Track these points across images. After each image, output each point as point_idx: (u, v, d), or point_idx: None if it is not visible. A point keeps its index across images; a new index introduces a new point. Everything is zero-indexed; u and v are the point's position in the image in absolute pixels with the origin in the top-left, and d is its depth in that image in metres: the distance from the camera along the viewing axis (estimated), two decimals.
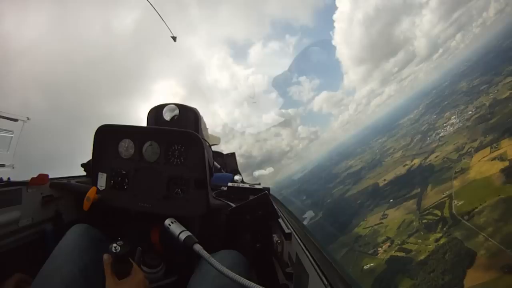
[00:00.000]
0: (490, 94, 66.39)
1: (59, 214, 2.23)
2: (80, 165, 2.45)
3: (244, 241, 2.01)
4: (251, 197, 1.89)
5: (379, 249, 44.19)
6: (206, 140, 2.17)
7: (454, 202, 42.56)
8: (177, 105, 2.20)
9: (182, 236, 1.43)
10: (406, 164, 69.55)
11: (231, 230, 2.06)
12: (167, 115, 2.17)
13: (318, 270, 1.21)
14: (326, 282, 1.11)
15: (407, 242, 41.85)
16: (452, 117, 75.04)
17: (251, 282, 1.08)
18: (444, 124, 75.71)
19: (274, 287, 1.91)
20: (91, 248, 1.46)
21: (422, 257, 37.10)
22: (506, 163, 40.39)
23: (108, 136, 1.83)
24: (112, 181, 1.82)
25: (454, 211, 40.94)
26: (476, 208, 37.99)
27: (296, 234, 1.69)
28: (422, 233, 41.91)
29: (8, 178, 2.04)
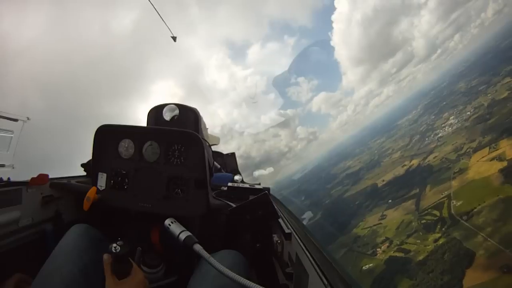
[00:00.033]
0: (489, 95, 66.66)
1: (59, 214, 2.22)
2: (80, 165, 2.45)
3: (244, 241, 2.01)
4: (251, 197, 1.88)
5: (378, 249, 44.25)
6: (206, 140, 2.18)
7: (453, 203, 42.67)
8: (177, 105, 2.21)
9: (182, 236, 1.43)
10: (405, 165, 69.74)
11: (231, 230, 2.06)
12: (167, 115, 2.17)
13: (318, 270, 1.21)
14: (326, 282, 1.11)
15: (406, 243, 41.91)
16: (451, 118, 75.29)
17: (251, 282, 1.08)
18: (443, 125, 75.98)
19: (274, 287, 1.91)
20: (91, 248, 1.46)
21: (421, 258, 37.17)
22: (505, 163, 40.54)
23: (108, 136, 1.83)
24: (112, 181, 1.82)
25: (453, 211, 41.05)
26: (475, 208, 38.10)
27: (296, 234, 1.69)
28: (421, 233, 42.01)
29: (8, 178, 2.03)
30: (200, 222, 1.90)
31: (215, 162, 2.85)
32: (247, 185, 2.26)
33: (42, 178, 2.06)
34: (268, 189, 2.12)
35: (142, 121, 2.28)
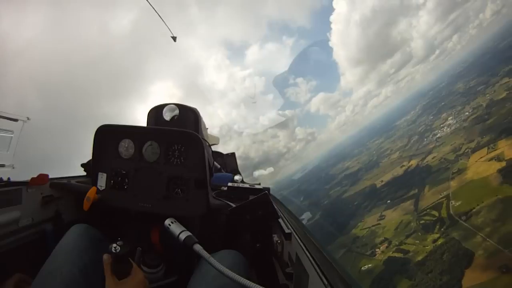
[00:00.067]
0: (487, 95, 66.71)
1: (59, 214, 2.22)
2: (80, 165, 2.45)
3: (244, 241, 2.01)
4: (251, 197, 1.89)
5: (377, 250, 44.21)
6: (206, 140, 2.18)
7: (451, 203, 42.69)
8: (177, 105, 2.21)
9: (182, 236, 1.43)
10: (403, 165, 69.71)
11: (231, 230, 2.06)
12: (167, 115, 2.17)
13: (318, 270, 1.21)
14: (326, 282, 1.11)
15: (405, 243, 41.89)
16: (449, 118, 75.33)
17: (251, 282, 1.08)
18: (441, 125, 76.03)
19: (274, 287, 1.92)
20: (91, 248, 1.46)
21: (420, 258, 37.13)
22: (503, 164, 40.56)
23: (108, 136, 1.83)
24: (112, 181, 1.82)
25: (451, 211, 41.06)
26: (474, 208, 38.11)
27: (296, 234, 1.69)
28: (419, 233, 41.98)
29: (8, 178, 2.03)
30: (200, 222, 1.90)
31: (215, 162, 2.85)
32: (247, 185, 2.26)
33: (42, 178, 2.06)
34: (268, 189, 2.12)
35: (141, 122, 2.29)
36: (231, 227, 2.05)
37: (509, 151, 42.10)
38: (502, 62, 76.37)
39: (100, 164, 1.84)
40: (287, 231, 1.76)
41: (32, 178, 2.01)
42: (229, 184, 2.27)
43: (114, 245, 1.31)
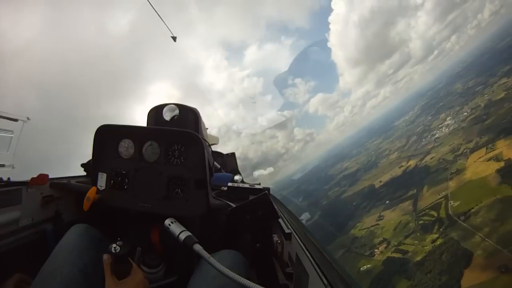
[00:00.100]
0: (485, 95, 66.79)
1: (59, 214, 2.22)
2: (80, 165, 2.45)
3: (244, 241, 2.01)
4: (251, 197, 1.89)
5: (376, 250, 44.21)
6: (205, 140, 2.18)
7: (450, 203, 42.71)
8: (177, 105, 2.21)
9: (182, 236, 1.43)
10: (402, 166, 69.73)
11: (231, 230, 2.06)
12: (167, 115, 2.18)
13: (318, 270, 1.21)
14: (326, 282, 1.11)
15: (404, 243, 41.89)
16: (448, 118, 75.39)
17: (251, 282, 1.09)
18: (440, 125, 76.05)
19: (274, 287, 1.92)
20: (91, 248, 1.46)
21: (418, 258, 37.13)
22: (502, 164, 40.60)
23: (108, 136, 1.83)
24: (112, 181, 1.82)
25: (450, 211, 41.09)
26: (472, 208, 38.14)
27: (296, 234, 1.70)
28: (418, 234, 41.98)
29: (8, 178, 2.03)
30: (200, 222, 1.90)
31: (215, 162, 2.86)
32: (247, 185, 2.26)
33: (42, 178, 2.06)
34: (268, 189, 2.13)
35: (140, 122, 2.28)
36: (231, 227, 2.05)
37: (507, 151, 42.17)
38: (501, 62, 76.52)
39: (100, 164, 1.84)
40: (287, 231, 1.76)
41: (32, 178, 2.00)
42: (229, 184, 2.27)
43: (114, 245, 1.31)
